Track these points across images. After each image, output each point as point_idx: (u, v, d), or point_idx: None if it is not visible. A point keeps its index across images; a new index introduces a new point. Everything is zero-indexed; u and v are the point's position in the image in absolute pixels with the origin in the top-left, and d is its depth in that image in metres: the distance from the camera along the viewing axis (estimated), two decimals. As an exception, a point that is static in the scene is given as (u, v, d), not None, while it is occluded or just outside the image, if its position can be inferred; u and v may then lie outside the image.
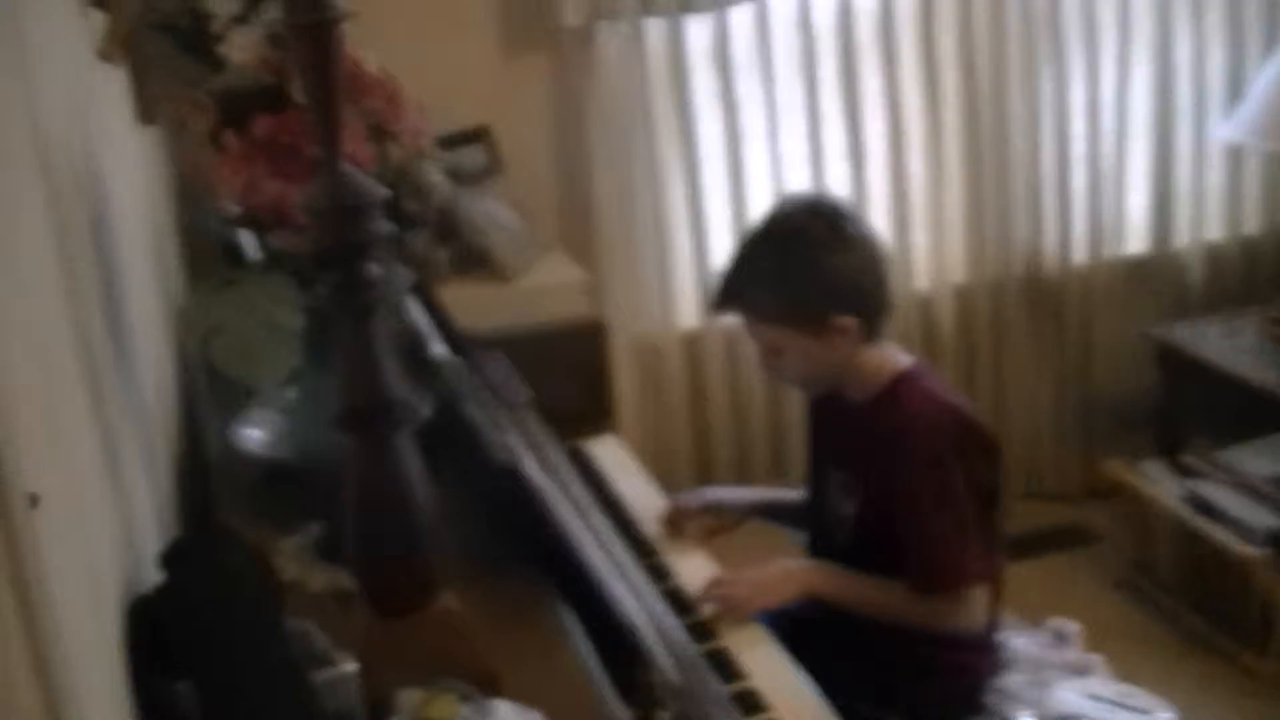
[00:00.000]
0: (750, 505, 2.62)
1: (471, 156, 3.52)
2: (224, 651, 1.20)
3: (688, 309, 3.79)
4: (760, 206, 3.68)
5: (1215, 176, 4.17)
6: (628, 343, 3.74)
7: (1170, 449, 3.76)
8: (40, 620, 0.76)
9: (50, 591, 0.81)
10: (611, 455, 2.77)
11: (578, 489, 2.34)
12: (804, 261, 2.28)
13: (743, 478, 3.81)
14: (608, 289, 3.68)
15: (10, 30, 1.19)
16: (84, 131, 1.64)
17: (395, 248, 2.96)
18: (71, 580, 0.99)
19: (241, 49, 2.84)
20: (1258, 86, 3.73)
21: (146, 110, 2.35)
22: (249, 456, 1.87)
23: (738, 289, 2.37)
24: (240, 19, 3.15)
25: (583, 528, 1.79)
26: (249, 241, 1.91)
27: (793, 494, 2.63)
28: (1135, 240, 4.17)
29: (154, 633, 1.19)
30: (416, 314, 1.99)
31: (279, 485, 1.86)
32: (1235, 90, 3.99)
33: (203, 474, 2.04)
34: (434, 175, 1.69)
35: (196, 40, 3.12)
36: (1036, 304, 4.09)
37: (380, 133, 1.62)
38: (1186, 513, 3.48)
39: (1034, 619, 2.53)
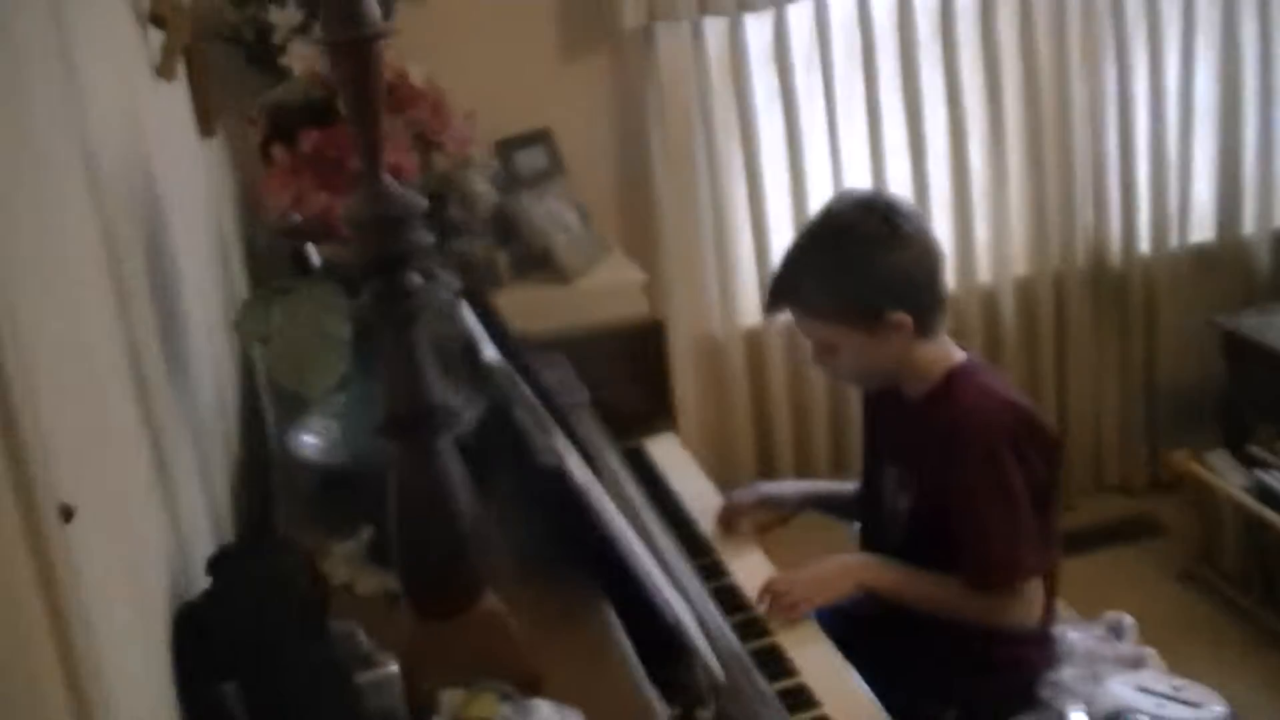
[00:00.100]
0: (803, 498, 2.64)
1: (532, 159, 3.55)
2: (268, 654, 1.24)
3: (749, 307, 3.80)
4: (821, 204, 3.72)
5: (1283, 162, 4.13)
6: (689, 341, 3.76)
7: (1236, 439, 3.73)
8: (71, 629, 0.79)
9: (84, 600, 0.84)
10: (670, 454, 2.80)
11: (631, 488, 2.38)
12: (857, 258, 2.29)
13: (804, 473, 3.82)
14: (669, 288, 3.70)
15: (58, 50, 1.23)
16: (140, 145, 1.68)
17: (452, 253, 3.01)
18: (113, 588, 1.03)
19: (301, 59, 2.90)
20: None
21: (207, 123, 2.41)
22: (305, 462, 1.92)
23: (791, 287, 2.38)
24: (300, 29, 3.21)
25: (629, 527, 1.81)
26: (314, 250, 1.96)
27: (847, 486, 2.65)
28: (1201, 228, 4.14)
29: (201, 638, 1.23)
30: (469, 318, 2.02)
31: (334, 490, 1.90)
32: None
33: (265, 479, 2.09)
34: (479, 184, 1.73)
35: (261, 52, 3.19)
36: (1100, 294, 4.07)
37: (425, 142, 1.65)
38: (1252, 503, 3.45)
39: (1097, 611, 2.53)
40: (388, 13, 3.21)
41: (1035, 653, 2.34)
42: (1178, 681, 2.10)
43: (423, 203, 1.31)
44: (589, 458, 2.15)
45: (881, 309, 2.27)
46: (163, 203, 1.75)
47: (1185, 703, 2.02)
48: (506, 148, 3.52)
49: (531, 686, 1.40)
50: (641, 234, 3.73)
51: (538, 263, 3.34)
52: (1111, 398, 4.15)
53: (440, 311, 1.79)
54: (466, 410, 1.98)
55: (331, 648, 1.31)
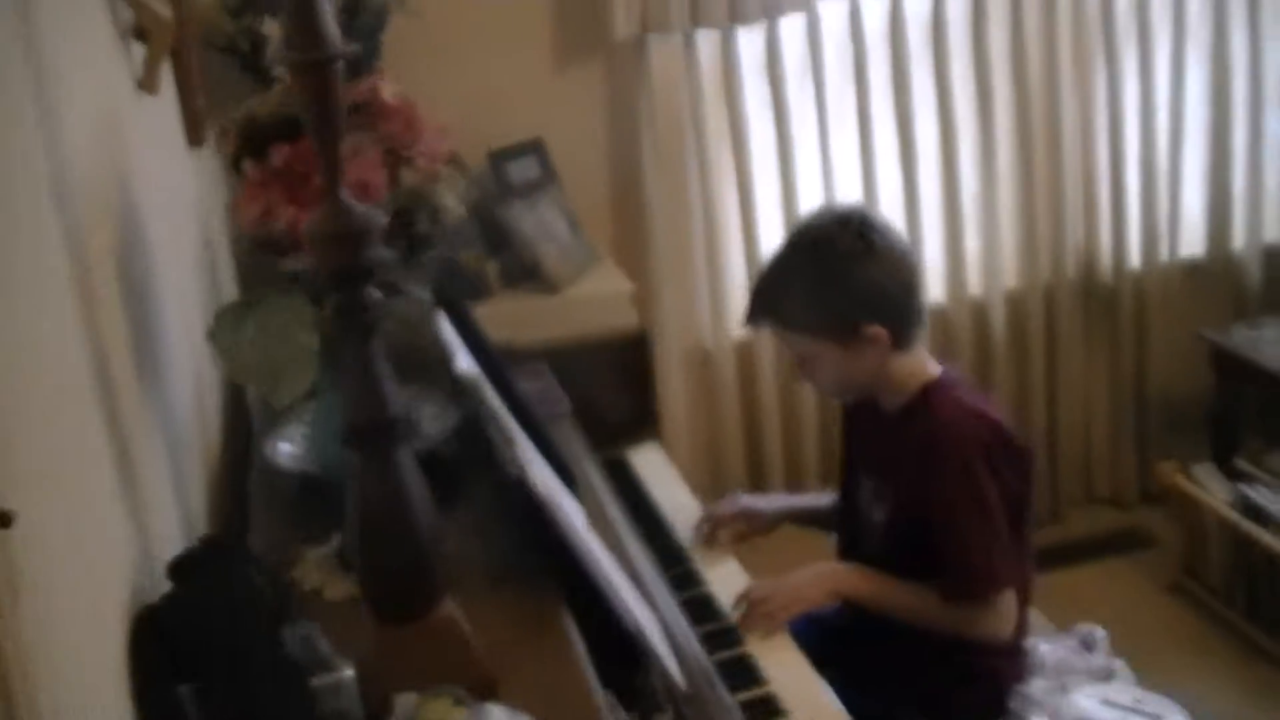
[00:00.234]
0: (782, 512, 2.67)
1: (524, 169, 3.58)
2: (224, 656, 1.27)
3: (739, 317, 3.81)
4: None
5: (1273, 176, 4.15)
6: (680, 351, 3.79)
7: (1224, 453, 3.75)
8: (12, 632, 0.82)
9: (25, 603, 0.87)
10: (652, 464, 2.83)
11: (609, 498, 2.41)
12: (833, 272, 2.32)
13: (794, 483, 3.85)
14: (660, 298, 3.73)
15: (29, 74, 1.26)
16: (118, 157, 1.72)
17: (438, 264, 3.05)
18: (66, 590, 1.06)
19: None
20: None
21: (197, 133, 2.44)
22: (282, 469, 1.95)
23: (769, 301, 2.42)
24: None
25: (594, 537, 1.84)
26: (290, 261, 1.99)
27: (825, 498, 2.68)
28: (1191, 242, 4.16)
29: (159, 640, 1.26)
30: (446, 329, 2.05)
31: (309, 497, 1.94)
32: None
33: (244, 486, 2.12)
34: (448, 198, 1.76)
35: (256, 63, 3.22)
36: (1090, 307, 4.10)
37: (396, 157, 1.68)
38: (1236, 517, 3.48)
39: (1086, 623, 2.55)
40: (380, 25, 3.24)
41: (1007, 664, 2.37)
42: (1140, 694, 2.13)
43: (381, 220, 1.35)
44: (563, 468, 2.19)
45: (858, 323, 2.30)
46: (141, 212, 1.78)
47: (1147, 714, 2.05)
48: (499, 157, 3.56)
49: (487, 691, 1.43)
50: (633, 244, 3.77)
51: (528, 273, 3.37)
52: (1101, 410, 4.17)
53: (412, 323, 1.82)
54: (440, 420, 2.02)
55: (288, 651, 1.34)
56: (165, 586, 1.37)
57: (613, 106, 3.77)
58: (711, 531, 2.51)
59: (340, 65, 1.32)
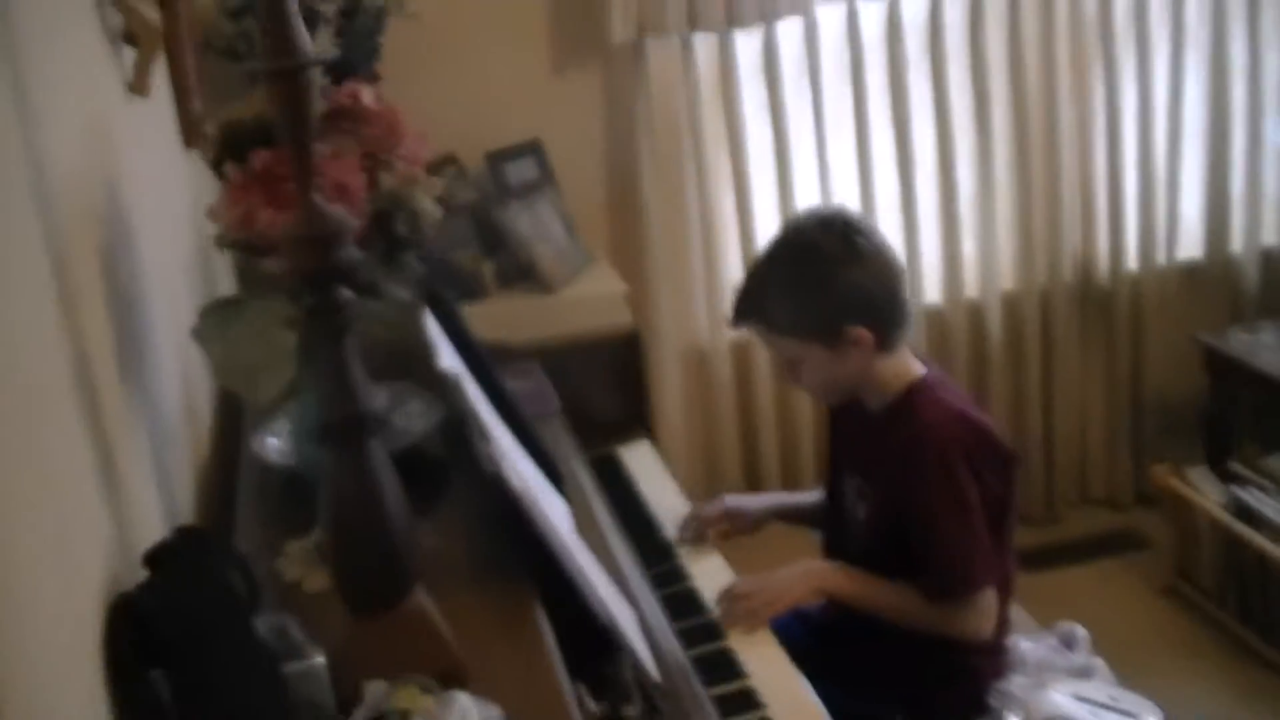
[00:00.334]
0: (768, 510, 2.70)
1: (522, 170, 3.63)
2: (196, 642, 1.30)
3: (734, 318, 3.86)
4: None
5: (1271, 180, 4.17)
6: (677, 351, 3.83)
7: (1219, 456, 3.78)
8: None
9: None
10: (642, 462, 2.86)
11: (595, 495, 2.45)
12: (818, 275, 2.35)
13: (789, 482, 3.88)
14: (657, 299, 3.77)
15: (8, 77, 1.30)
16: (105, 160, 1.76)
17: (441, 263, 3.08)
18: (38, 578, 1.10)
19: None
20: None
21: (192, 134, 2.48)
22: (268, 463, 1.99)
23: (754, 304, 2.45)
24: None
25: (570, 532, 1.88)
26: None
27: (811, 496, 2.71)
28: (1189, 245, 4.19)
29: (133, 627, 1.30)
30: (431, 328, 2.08)
31: (295, 491, 1.97)
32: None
33: (232, 480, 2.16)
34: (425, 201, 1.79)
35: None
36: (1087, 310, 4.12)
37: (375, 161, 1.72)
38: (1229, 520, 3.50)
39: (1081, 623, 2.57)
40: (378, 27, 3.28)
41: (987, 662, 2.40)
42: (1117, 692, 2.15)
43: (353, 223, 1.38)
44: (550, 465, 2.23)
45: (842, 325, 2.33)
46: (129, 213, 1.82)
47: (1121, 712, 2.07)
48: (496, 159, 3.60)
49: (456, 681, 1.47)
50: (630, 245, 3.80)
51: (523, 273, 3.41)
52: (1097, 412, 4.20)
53: (395, 322, 1.86)
54: (423, 417, 2.06)
55: (260, 639, 1.38)
56: (143, 576, 1.40)
57: (610, 109, 3.81)
58: (698, 531, 2.54)
59: (312, 73, 1.35)
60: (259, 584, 1.42)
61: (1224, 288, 4.21)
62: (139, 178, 1.99)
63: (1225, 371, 3.84)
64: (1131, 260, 4.10)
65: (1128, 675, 2.87)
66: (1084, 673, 2.33)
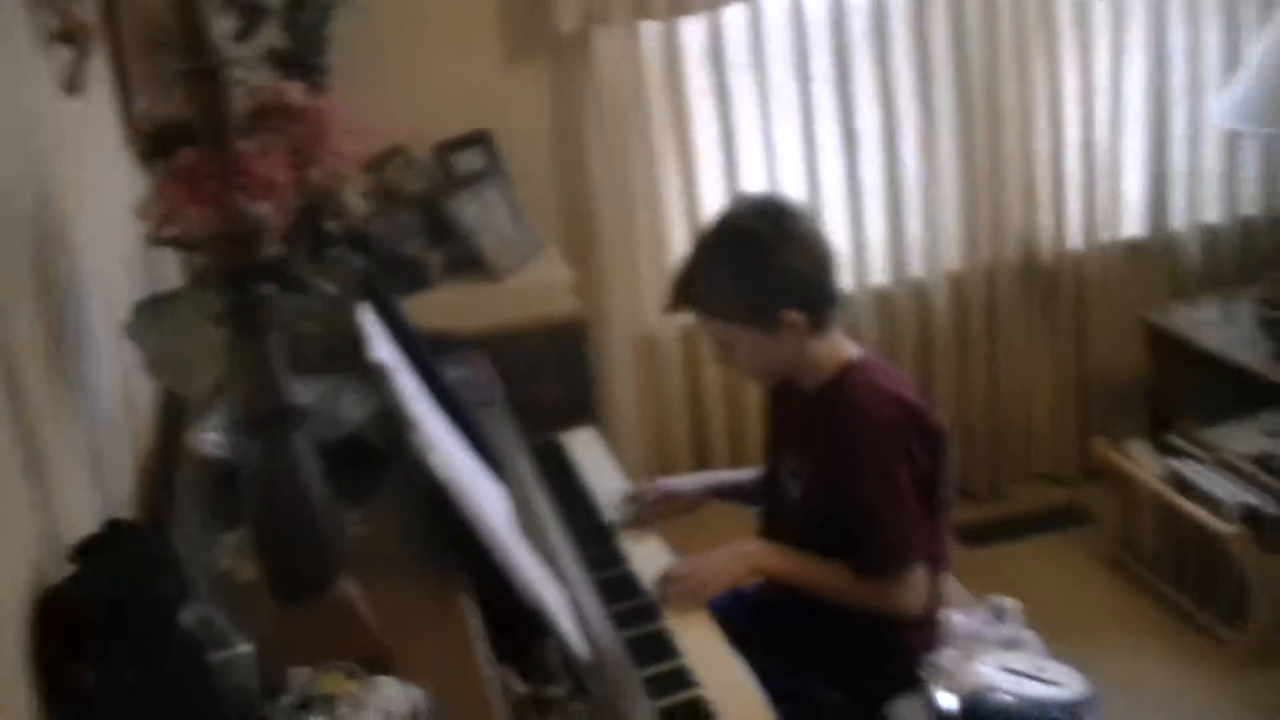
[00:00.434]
0: (705, 489, 2.75)
1: (471, 160, 3.66)
2: (123, 634, 1.34)
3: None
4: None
5: (1212, 158, 4.24)
6: (627, 336, 3.87)
7: (1160, 429, 3.84)
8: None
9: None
10: (586, 447, 2.90)
11: (535, 481, 2.49)
12: (752, 261, 2.39)
13: (738, 463, 3.92)
14: (607, 285, 3.82)
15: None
16: (34, 161, 1.79)
17: (389, 254, 3.11)
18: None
19: (242, 65, 2.99)
20: (1249, 69, 3.76)
21: (134, 132, 2.51)
22: (206, 456, 2.03)
23: (690, 289, 2.49)
24: (241, 36, 3.30)
25: (501, 517, 1.92)
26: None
27: (746, 474, 2.78)
28: (1131, 223, 4.25)
29: (60, 619, 1.34)
30: (368, 320, 2.12)
31: (232, 482, 2.01)
32: (1231, 71, 4.03)
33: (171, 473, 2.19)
34: (352, 197, 1.83)
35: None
36: (1032, 288, 4.18)
37: (303, 157, 1.76)
38: (1167, 491, 3.56)
39: (1027, 598, 2.63)
40: (325, 20, 3.31)
41: (919, 637, 2.45)
42: (1042, 661, 2.21)
43: (273, 221, 1.42)
44: (488, 452, 2.27)
45: (776, 308, 2.38)
46: (61, 213, 1.85)
47: (1046, 681, 2.13)
48: (445, 149, 3.63)
49: (381, 666, 1.51)
50: (580, 233, 3.84)
51: (470, 262, 3.44)
52: (1043, 389, 4.26)
53: (329, 315, 1.90)
54: (359, 408, 2.10)
55: (186, 629, 1.41)
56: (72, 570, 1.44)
57: (559, 97, 3.84)
58: (636, 515, 2.58)
59: (228, 73, 1.39)
60: (187, 575, 1.46)
61: (1166, 264, 4.27)
62: (76, 176, 2.02)
63: (1167, 347, 3.91)
64: (1075, 239, 4.16)
65: (1070, 646, 2.94)
66: (1013, 644, 2.38)
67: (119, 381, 2.09)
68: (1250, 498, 3.38)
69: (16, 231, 1.61)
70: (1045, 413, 4.27)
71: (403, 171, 3.58)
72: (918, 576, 2.39)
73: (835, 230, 3.93)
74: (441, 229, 3.49)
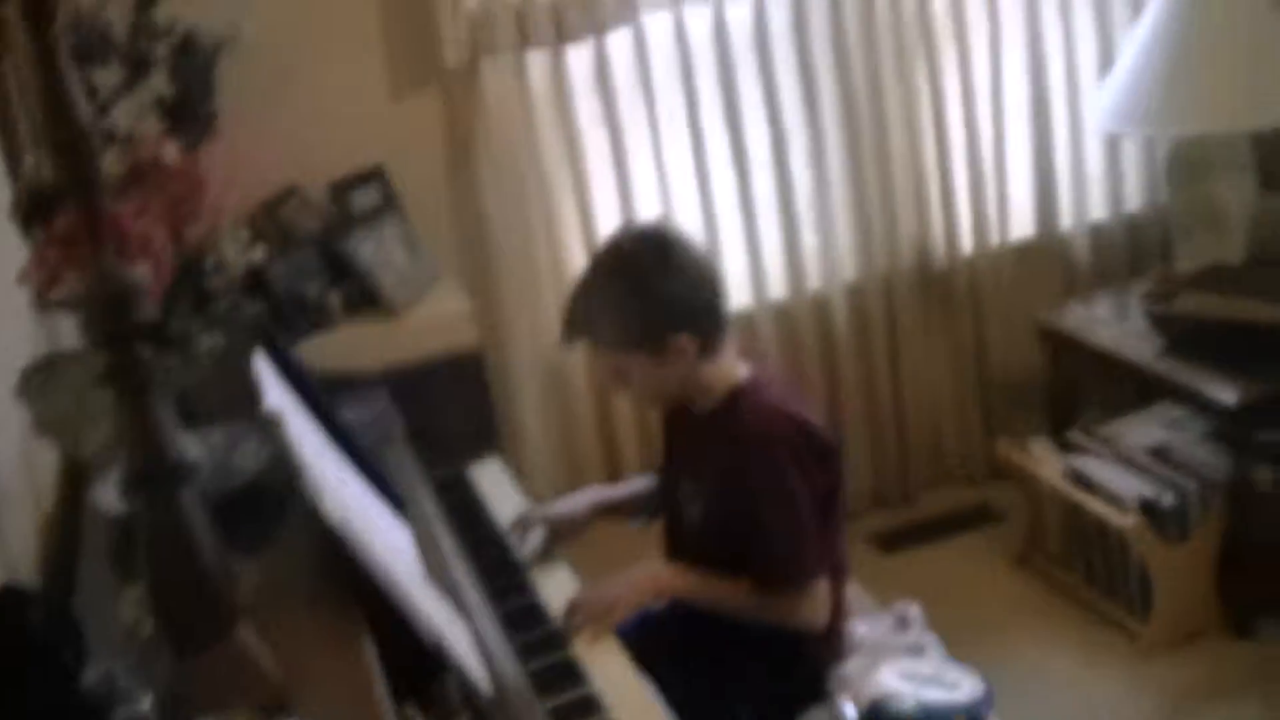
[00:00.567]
0: (590, 508, 2.76)
1: (366, 196, 3.68)
2: (16, 704, 1.36)
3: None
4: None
5: (1094, 157, 4.33)
6: (531, 362, 3.89)
7: (1060, 426, 3.92)
8: None
9: None
10: (491, 477, 2.92)
11: (439, 516, 2.52)
12: (638, 289, 2.44)
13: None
14: (509, 313, 3.84)
15: None
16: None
17: (287, 297, 3.11)
18: None
19: (128, 114, 2.99)
20: (1121, 71, 3.84)
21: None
22: (105, 512, 2.04)
23: (580, 320, 2.53)
24: (127, 86, 3.30)
25: (397, 555, 1.95)
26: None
27: (630, 487, 2.86)
28: (1020, 225, 4.32)
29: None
30: (262, 368, 2.14)
31: (131, 538, 2.02)
32: (1106, 70, 4.11)
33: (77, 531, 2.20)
34: (231, 251, 1.85)
35: (89, 113, 3.27)
36: (928, 294, 4.25)
37: (180, 214, 1.78)
38: (1067, 488, 3.64)
39: (940, 599, 2.68)
40: (213, 62, 3.31)
41: (825, 649, 2.50)
42: (942, 665, 2.26)
43: (147, 282, 1.44)
44: (390, 491, 2.30)
45: (664, 335, 2.42)
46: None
47: (943, 684, 2.18)
48: (340, 188, 3.65)
49: (281, 710, 1.53)
50: (479, 263, 3.87)
51: (369, 299, 3.46)
52: (946, 393, 4.33)
53: (214, 369, 1.92)
54: (254, 457, 2.12)
55: (85, 690, 1.43)
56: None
57: (451, 129, 3.86)
58: (529, 545, 2.61)
59: (88, 144, 1.41)
60: (87, 637, 1.48)
61: (1057, 263, 4.35)
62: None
63: (1062, 346, 3.99)
64: (967, 243, 4.24)
65: (983, 645, 3.01)
66: (916, 650, 2.44)
67: (16, 443, 2.10)
68: (1147, 490, 3.45)
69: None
70: (950, 416, 4.34)
71: (299, 212, 3.59)
72: (820, 589, 2.44)
73: (731, 247, 4.00)
74: (340, 267, 3.51)
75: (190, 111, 3.29)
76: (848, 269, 4.15)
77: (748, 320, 4.01)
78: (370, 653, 1.70)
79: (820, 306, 4.14)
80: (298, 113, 3.62)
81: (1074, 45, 4.21)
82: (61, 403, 1.77)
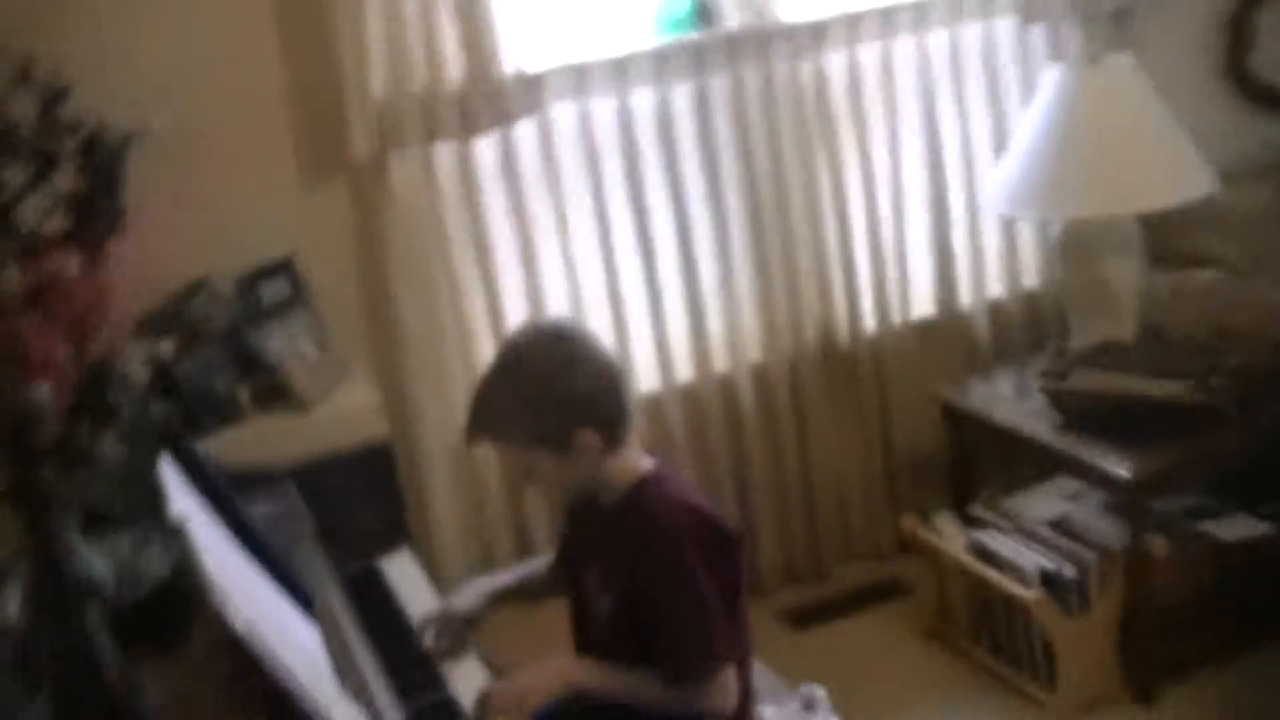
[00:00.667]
0: (487, 598, 2.77)
1: (275, 289, 3.70)
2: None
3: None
4: (558, 310, 3.92)
5: (991, 236, 4.44)
6: (443, 452, 3.92)
7: (962, 501, 4.00)
8: None
9: None
10: (402, 571, 2.94)
11: (345, 614, 2.54)
12: (539, 387, 2.47)
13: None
14: (419, 404, 3.87)
15: None
16: None
17: (196, 393, 3.11)
18: None
19: (36, 210, 3.00)
20: (1013, 156, 3.96)
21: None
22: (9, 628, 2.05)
23: (484, 419, 2.56)
24: (30, 186, 3.31)
25: (318, 658, 1.98)
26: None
27: (522, 571, 2.91)
28: (921, 304, 4.42)
29: None
30: (168, 474, 2.16)
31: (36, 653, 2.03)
32: (1000, 152, 4.24)
33: None
34: (133, 365, 1.88)
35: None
36: (833, 373, 4.31)
37: (82, 332, 1.80)
38: (970, 562, 3.72)
39: (853, 675, 2.71)
40: (120, 158, 3.32)
41: (734, 734, 2.54)
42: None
43: (47, 403, 1.47)
44: (298, 591, 2.32)
45: (568, 430, 2.46)
46: None
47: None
48: (249, 280, 3.66)
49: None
50: (388, 355, 3.89)
51: (278, 393, 3.48)
52: (853, 470, 4.39)
53: (118, 480, 1.94)
54: (162, 563, 2.13)
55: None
56: None
57: (359, 220, 3.89)
58: (437, 645, 2.63)
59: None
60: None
61: (958, 341, 4.44)
62: None
63: (963, 422, 4.08)
64: (870, 323, 4.32)
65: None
66: (824, 732, 2.48)
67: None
68: (1049, 562, 3.53)
69: None
70: (857, 492, 4.40)
71: (207, 307, 3.60)
72: (729, 676, 2.48)
73: (638, 332, 4.06)
74: (249, 361, 3.53)
75: (98, 208, 3.31)
76: (753, 350, 4.22)
77: (656, 403, 4.07)
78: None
79: (727, 387, 4.20)
80: (206, 204, 3.63)
81: (969, 128, 4.34)
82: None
